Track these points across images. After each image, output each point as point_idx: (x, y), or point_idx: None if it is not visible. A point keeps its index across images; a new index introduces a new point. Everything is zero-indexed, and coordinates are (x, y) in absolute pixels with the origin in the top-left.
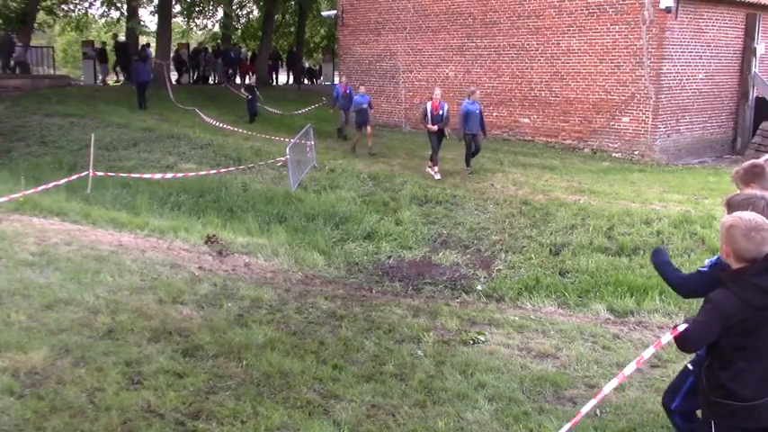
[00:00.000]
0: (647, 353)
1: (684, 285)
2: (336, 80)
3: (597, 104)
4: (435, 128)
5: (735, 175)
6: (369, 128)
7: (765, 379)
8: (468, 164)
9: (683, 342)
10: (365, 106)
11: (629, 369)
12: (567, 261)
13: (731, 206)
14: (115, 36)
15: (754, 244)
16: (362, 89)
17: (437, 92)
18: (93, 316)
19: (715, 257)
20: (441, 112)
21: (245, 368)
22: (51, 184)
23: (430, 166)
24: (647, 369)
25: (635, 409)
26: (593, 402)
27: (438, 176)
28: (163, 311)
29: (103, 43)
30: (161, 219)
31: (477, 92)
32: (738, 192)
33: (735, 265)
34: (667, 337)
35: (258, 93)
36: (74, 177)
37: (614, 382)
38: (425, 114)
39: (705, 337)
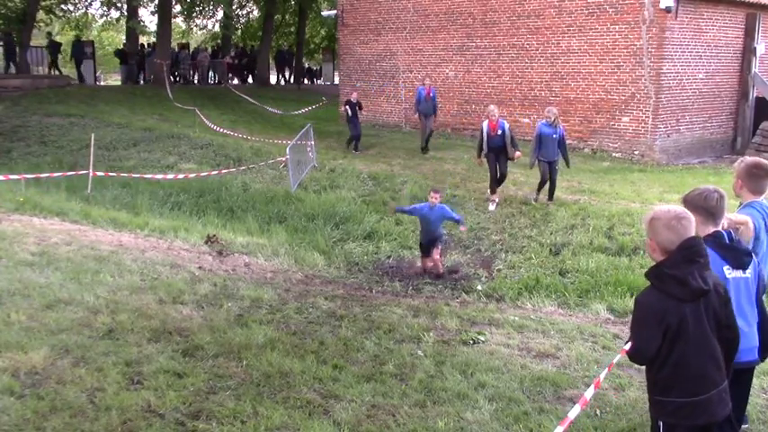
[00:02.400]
0: (602, 374)
1: None
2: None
3: (597, 104)
4: (481, 161)
5: (738, 166)
6: (437, 252)
7: (703, 374)
8: (550, 197)
9: (634, 358)
10: (440, 228)
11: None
12: (567, 261)
13: (686, 202)
14: (49, 34)
15: (676, 234)
16: (437, 198)
17: (493, 109)
18: (93, 316)
19: None
20: (499, 132)
21: (245, 368)
22: (44, 175)
23: (490, 198)
24: None
25: (635, 409)
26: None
27: (492, 207)
28: (163, 311)
29: (125, 44)
30: (161, 219)
31: (555, 111)
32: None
33: (660, 259)
34: (618, 358)
35: (359, 110)
36: (71, 173)
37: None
38: (482, 137)
39: (652, 344)
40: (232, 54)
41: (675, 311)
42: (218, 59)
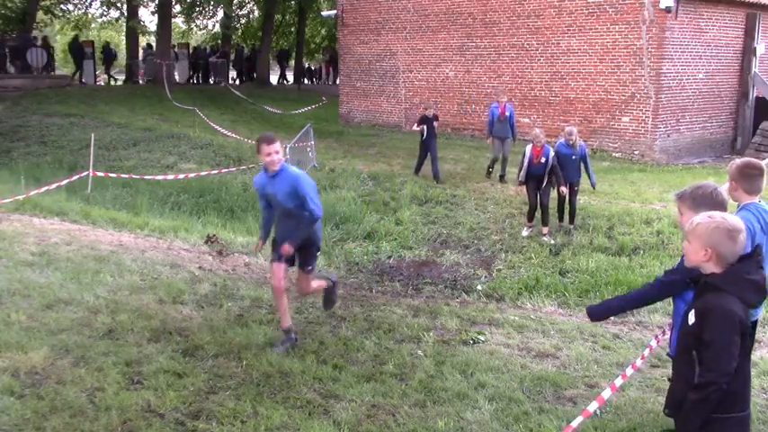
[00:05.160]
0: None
1: (660, 287)
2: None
3: (597, 104)
4: (522, 189)
5: (730, 168)
6: (307, 276)
7: (749, 385)
8: (561, 219)
9: (722, 376)
10: (298, 211)
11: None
12: (567, 261)
13: (695, 199)
14: (76, 38)
15: (738, 244)
16: (272, 156)
17: (538, 134)
18: (93, 316)
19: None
20: (543, 161)
21: (245, 368)
22: (54, 186)
23: (527, 224)
24: (647, 369)
25: (635, 409)
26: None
27: (525, 233)
28: (163, 311)
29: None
30: (161, 219)
31: (575, 131)
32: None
33: (713, 269)
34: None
35: (436, 125)
36: (75, 178)
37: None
38: (522, 163)
39: (736, 355)
40: (218, 54)
41: (746, 318)
42: (217, 59)
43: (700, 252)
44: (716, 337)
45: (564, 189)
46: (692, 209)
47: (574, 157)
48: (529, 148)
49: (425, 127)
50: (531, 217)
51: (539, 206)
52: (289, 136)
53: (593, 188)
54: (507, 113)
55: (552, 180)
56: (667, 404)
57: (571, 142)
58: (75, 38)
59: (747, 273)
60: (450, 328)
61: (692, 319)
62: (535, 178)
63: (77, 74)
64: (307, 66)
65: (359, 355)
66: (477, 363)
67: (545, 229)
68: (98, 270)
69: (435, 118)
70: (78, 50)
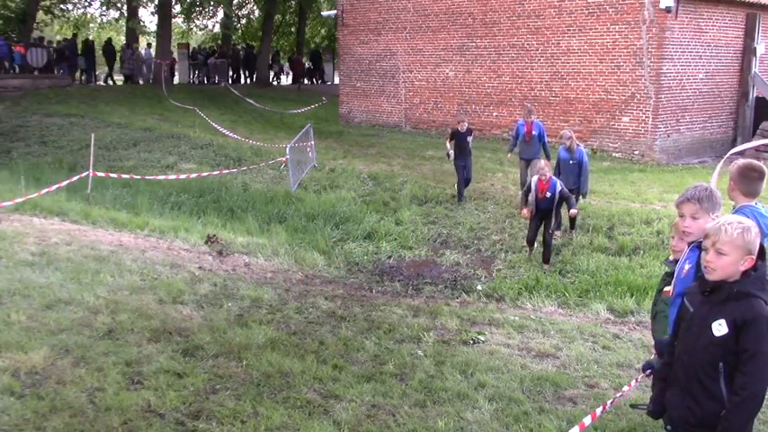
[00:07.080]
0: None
1: None
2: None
3: (597, 104)
4: (526, 213)
5: (732, 168)
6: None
7: None
8: (571, 226)
9: (765, 385)
10: None
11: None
12: (567, 261)
13: (709, 199)
14: (110, 40)
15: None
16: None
17: (544, 168)
18: (93, 316)
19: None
20: (548, 195)
21: (245, 368)
22: (54, 187)
23: (527, 249)
24: None
25: (635, 409)
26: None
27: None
28: (163, 311)
29: (203, 49)
30: (161, 219)
31: (568, 134)
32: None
33: (738, 276)
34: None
35: (471, 139)
36: (75, 178)
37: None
38: (528, 190)
39: None
40: (217, 54)
41: None
42: (217, 60)
43: (740, 262)
44: (764, 346)
45: (574, 211)
46: (708, 212)
47: (571, 162)
48: (534, 180)
49: (453, 146)
50: (531, 248)
51: (541, 241)
52: (289, 136)
53: (583, 197)
54: (535, 132)
55: (560, 213)
56: (675, 422)
57: (566, 146)
58: (109, 40)
59: (765, 274)
60: (451, 328)
61: (721, 329)
62: (539, 212)
63: (107, 74)
64: (307, 66)
65: (359, 355)
66: (477, 363)
67: (546, 267)
68: (98, 270)
69: (469, 132)
70: (111, 52)
